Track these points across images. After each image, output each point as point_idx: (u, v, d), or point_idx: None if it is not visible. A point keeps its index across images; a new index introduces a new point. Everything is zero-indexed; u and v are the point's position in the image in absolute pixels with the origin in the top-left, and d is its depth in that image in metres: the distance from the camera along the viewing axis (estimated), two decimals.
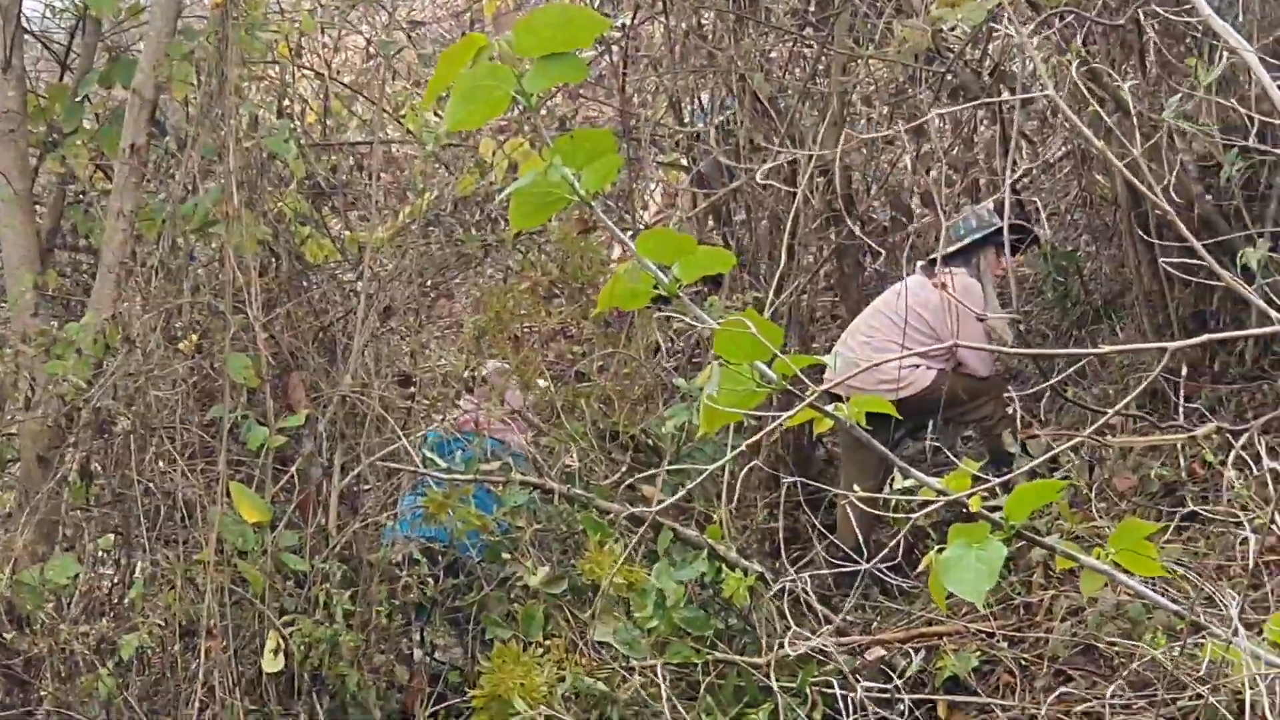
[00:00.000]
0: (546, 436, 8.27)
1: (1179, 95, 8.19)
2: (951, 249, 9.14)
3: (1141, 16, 8.70)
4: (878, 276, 10.85)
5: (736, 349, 2.97)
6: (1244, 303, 8.78)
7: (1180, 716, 6.79)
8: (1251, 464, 7.39)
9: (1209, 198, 8.92)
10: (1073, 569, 7.58)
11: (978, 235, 9.30)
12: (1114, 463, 8.95)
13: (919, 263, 9.44)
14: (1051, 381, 8.88)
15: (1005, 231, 8.25)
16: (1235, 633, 3.24)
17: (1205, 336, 3.52)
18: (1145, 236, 8.99)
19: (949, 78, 10.08)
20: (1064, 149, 11.42)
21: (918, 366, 9.05)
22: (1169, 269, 8.51)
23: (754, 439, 3.81)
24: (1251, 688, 3.24)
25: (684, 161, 11.38)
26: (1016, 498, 3.09)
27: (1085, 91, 8.07)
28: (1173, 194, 8.30)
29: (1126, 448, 8.92)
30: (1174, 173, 7.77)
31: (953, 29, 9.69)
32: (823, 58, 10.10)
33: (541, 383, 8.60)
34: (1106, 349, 3.58)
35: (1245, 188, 8.87)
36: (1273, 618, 3.41)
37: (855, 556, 8.06)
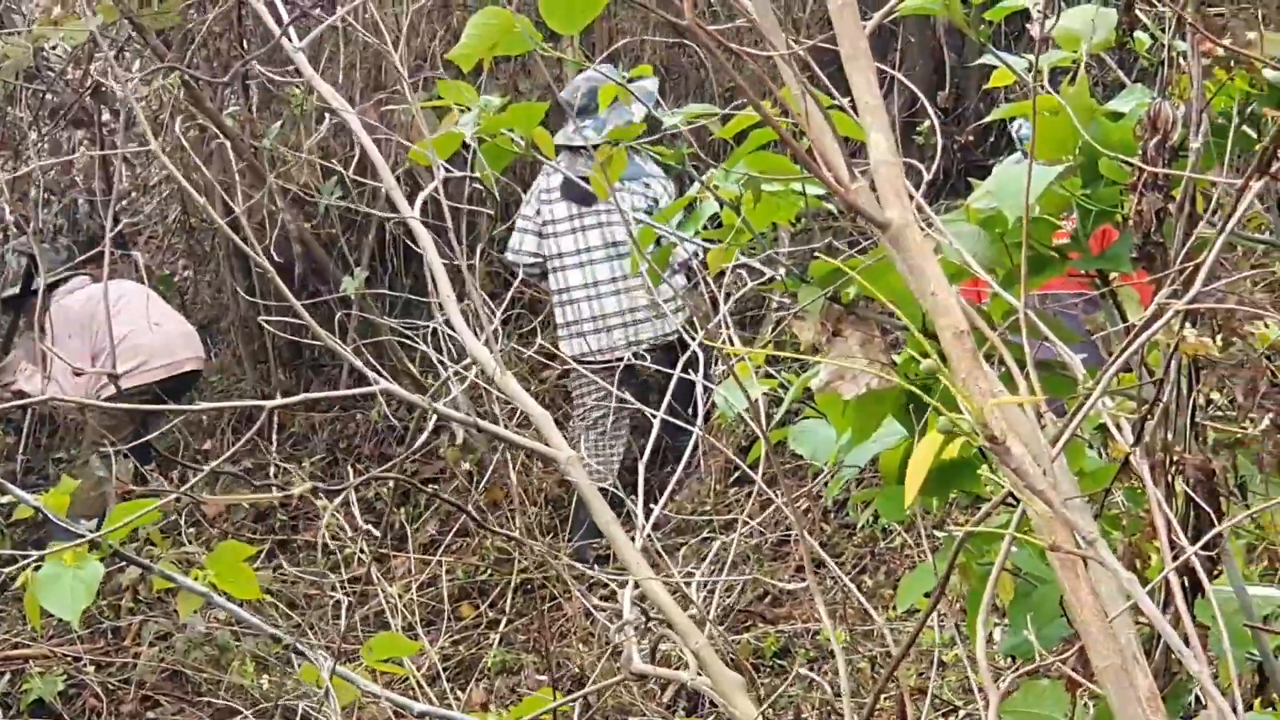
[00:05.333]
0: None
1: (280, 122, 8.30)
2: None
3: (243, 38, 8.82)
4: None
5: None
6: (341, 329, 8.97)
7: None
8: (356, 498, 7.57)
9: (309, 225, 9.02)
10: (164, 594, 7.57)
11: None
12: (203, 488, 8.93)
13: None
14: (149, 437, 8.55)
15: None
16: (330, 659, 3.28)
17: (303, 396, 3.60)
18: (241, 263, 9.08)
19: (49, 97, 9.90)
20: (165, 172, 11.33)
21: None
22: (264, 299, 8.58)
23: None
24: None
25: None
26: (115, 516, 3.06)
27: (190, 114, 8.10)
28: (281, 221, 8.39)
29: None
30: (264, 194, 7.88)
31: (54, 47, 9.52)
32: None
33: None
34: (204, 406, 3.59)
35: (345, 216, 9.05)
36: (367, 645, 3.49)
37: None
